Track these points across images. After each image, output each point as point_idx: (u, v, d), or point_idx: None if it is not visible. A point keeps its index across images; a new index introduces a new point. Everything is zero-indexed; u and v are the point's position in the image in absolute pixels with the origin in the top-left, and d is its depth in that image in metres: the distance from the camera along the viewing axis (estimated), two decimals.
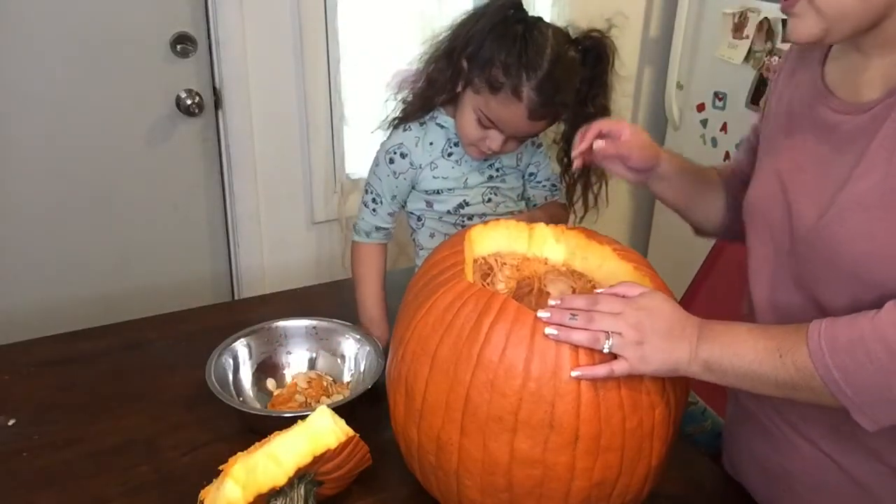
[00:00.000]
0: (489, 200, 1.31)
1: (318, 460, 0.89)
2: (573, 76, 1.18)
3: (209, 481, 0.91)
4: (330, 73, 1.91)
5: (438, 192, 1.29)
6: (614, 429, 0.82)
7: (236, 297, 2.03)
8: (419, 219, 1.35)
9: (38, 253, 1.79)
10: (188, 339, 1.32)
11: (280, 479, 0.86)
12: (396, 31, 1.98)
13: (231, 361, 1.16)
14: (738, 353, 0.80)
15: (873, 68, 0.80)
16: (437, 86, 1.25)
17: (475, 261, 1.00)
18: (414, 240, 1.38)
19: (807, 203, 0.84)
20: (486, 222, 1.03)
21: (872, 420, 0.74)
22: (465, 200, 1.30)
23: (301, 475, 0.89)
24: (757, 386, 0.80)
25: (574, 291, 0.98)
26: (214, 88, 1.84)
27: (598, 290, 0.87)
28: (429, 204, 1.31)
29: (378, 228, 1.30)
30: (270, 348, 1.21)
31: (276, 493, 0.88)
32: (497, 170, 1.31)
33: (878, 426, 0.75)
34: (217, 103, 1.85)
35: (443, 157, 1.28)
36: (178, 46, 1.76)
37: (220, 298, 2.02)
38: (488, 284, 0.98)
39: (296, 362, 1.22)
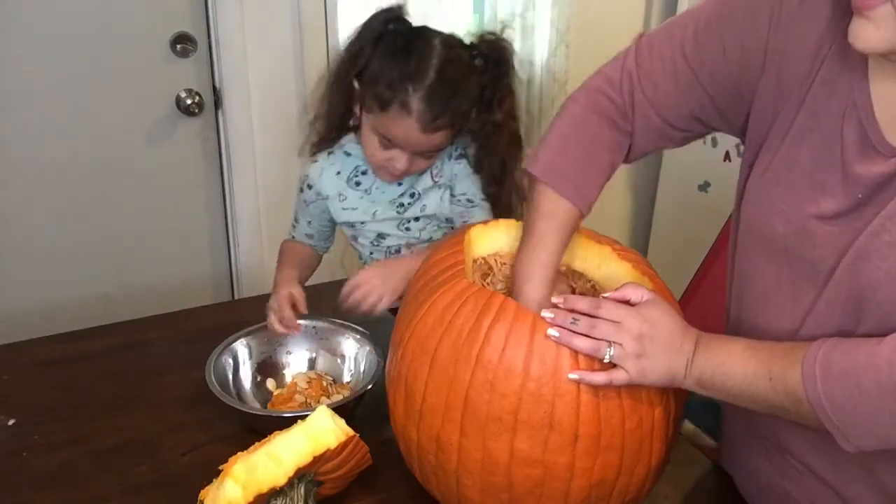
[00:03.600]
0: (408, 229, 1.27)
1: (318, 460, 0.89)
2: (465, 82, 1.14)
3: (209, 481, 0.91)
4: None
5: (352, 225, 1.28)
6: (614, 428, 0.82)
7: (236, 297, 2.03)
8: (355, 249, 1.36)
9: (38, 253, 1.79)
10: (188, 339, 1.32)
11: (280, 479, 0.86)
12: None
13: (231, 361, 1.16)
14: (730, 372, 0.79)
15: None
16: (336, 111, 1.22)
17: (475, 261, 1.00)
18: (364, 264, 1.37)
19: (828, 233, 0.78)
20: (483, 223, 1.03)
21: (854, 446, 0.73)
22: (380, 233, 1.27)
23: (301, 475, 0.89)
24: (748, 404, 0.80)
25: (573, 291, 0.98)
26: (214, 88, 1.84)
27: (604, 295, 0.86)
28: (353, 237, 1.30)
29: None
30: (270, 348, 1.21)
31: (276, 493, 0.88)
32: (412, 195, 1.26)
33: (859, 451, 0.74)
34: (217, 103, 1.85)
35: (349, 186, 1.25)
36: (178, 46, 1.76)
37: (220, 298, 2.02)
38: (488, 284, 0.98)
39: (296, 362, 1.22)
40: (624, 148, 0.95)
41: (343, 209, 1.27)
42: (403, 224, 1.27)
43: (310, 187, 1.29)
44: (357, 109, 1.20)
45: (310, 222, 1.32)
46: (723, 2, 0.85)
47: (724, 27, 0.84)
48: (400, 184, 1.26)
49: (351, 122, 1.25)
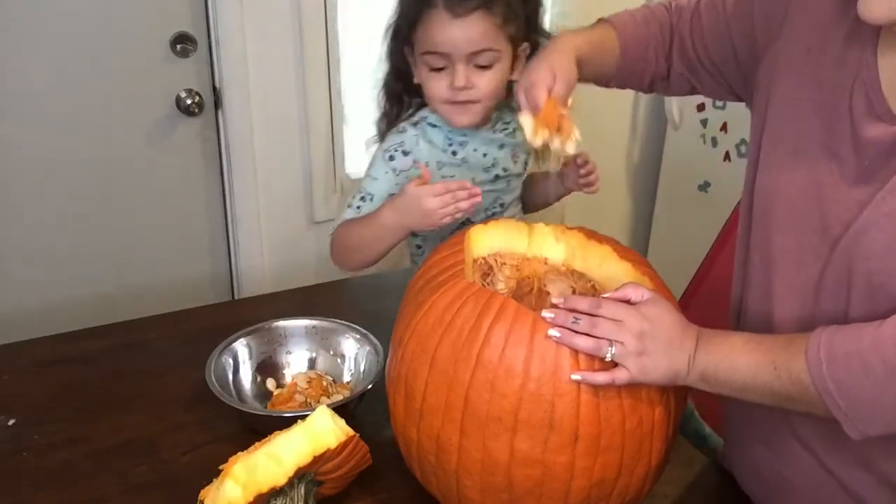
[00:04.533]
0: (493, 215, 1.26)
1: (318, 460, 0.89)
2: None
3: (209, 481, 0.91)
4: (330, 73, 1.91)
5: None
6: (614, 428, 0.82)
7: (236, 297, 2.03)
8: (419, 246, 1.31)
9: (38, 253, 1.79)
10: (188, 339, 1.32)
11: (280, 478, 0.86)
12: None
13: (231, 361, 1.16)
14: (734, 365, 0.80)
15: None
16: (399, 74, 1.24)
17: (475, 261, 1.00)
18: (416, 262, 1.35)
19: (838, 203, 0.80)
20: (485, 222, 1.03)
21: (860, 432, 0.74)
22: (468, 219, 1.23)
23: (301, 475, 0.89)
24: (753, 397, 0.80)
25: (574, 291, 0.98)
26: (214, 88, 1.84)
27: (605, 295, 0.86)
28: None
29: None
30: (270, 348, 1.21)
31: (276, 492, 0.88)
32: (503, 169, 1.27)
33: (864, 437, 0.75)
34: (217, 103, 1.85)
35: (447, 155, 1.24)
36: (178, 46, 1.76)
37: (220, 298, 2.02)
38: (488, 284, 0.98)
39: (296, 362, 1.22)
40: (666, 55, 1.08)
41: (442, 177, 1.22)
42: (492, 207, 1.25)
43: (405, 153, 1.21)
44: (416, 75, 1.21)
45: (392, 194, 1.20)
46: None
47: None
48: (485, 154, 1.25)
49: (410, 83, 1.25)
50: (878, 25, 0.77)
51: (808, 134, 0.84)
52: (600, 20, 1.11)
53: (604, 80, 1.12)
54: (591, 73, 1.07)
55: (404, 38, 1.19)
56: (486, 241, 1.01)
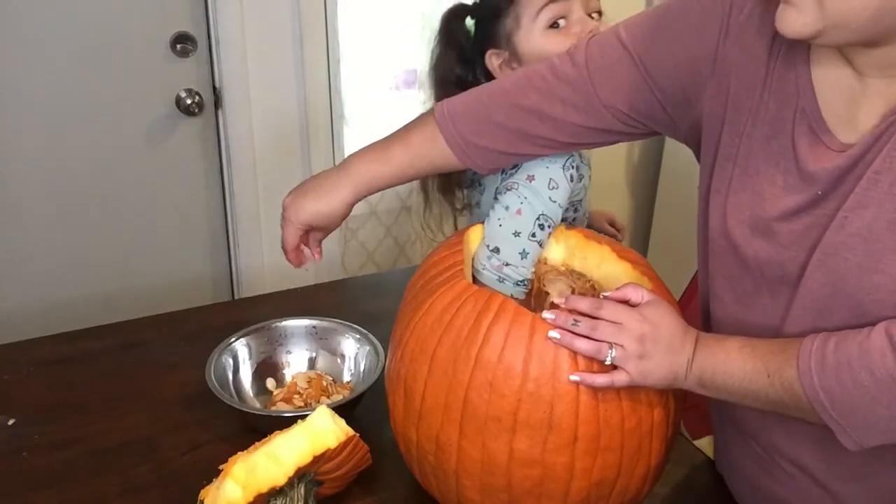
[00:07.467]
0: (576, 210, 1.15)
1: (318, 460, 0.89)
2: None
3: (209, 481, 0.91)
4: (330, 73, 1.91)
5: (575, 208, 1.12)
6: (613, 428, 0.82)
7: (236, 297, 2.03)
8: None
9: (38, 252, 1.79)
10: (188, 339, 1.32)
11: (280, 478, 0.86)
12: (396, 30, 1.98)
13: (231, 361, 1.16)
14: (729, 370, 0.79)
15: (873, 93, 0.74)
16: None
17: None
18: None
19: (792, 232, 0.80)
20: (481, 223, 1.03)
21: (855, 442, 0.74)
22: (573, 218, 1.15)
23: (301, 475, 0.89)
24: (749, 402, 0.80)
25: (573, 291, 0.99)
26: (214, 88, 1.84)
27: (605, 294, 0.86)
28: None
29: (526, 282, 1.00)
30: (270, 348, 1.21)
31: (276, 492, 0.88)
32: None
33: (861, 448, 0.74)
34: (217, 103, 1.85)
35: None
36: (178, 46, 1.76)
37: (220, 298, 2.02)
38: None
39: (296, 362, 1.22)
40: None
41: (584, 187, 1.13)
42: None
43: (577, 168, 1.07)
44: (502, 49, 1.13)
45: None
46: (680, 7, 0.88)
47: (674, 33, 0.87)
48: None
49: None
50: (807, 49, 0.77)
51: (754, 170, 0.82)
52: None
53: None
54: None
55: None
56: None
